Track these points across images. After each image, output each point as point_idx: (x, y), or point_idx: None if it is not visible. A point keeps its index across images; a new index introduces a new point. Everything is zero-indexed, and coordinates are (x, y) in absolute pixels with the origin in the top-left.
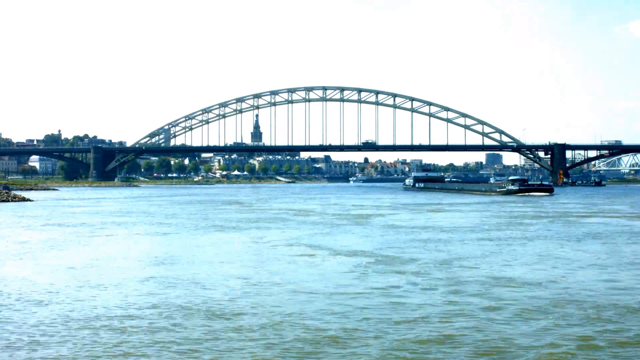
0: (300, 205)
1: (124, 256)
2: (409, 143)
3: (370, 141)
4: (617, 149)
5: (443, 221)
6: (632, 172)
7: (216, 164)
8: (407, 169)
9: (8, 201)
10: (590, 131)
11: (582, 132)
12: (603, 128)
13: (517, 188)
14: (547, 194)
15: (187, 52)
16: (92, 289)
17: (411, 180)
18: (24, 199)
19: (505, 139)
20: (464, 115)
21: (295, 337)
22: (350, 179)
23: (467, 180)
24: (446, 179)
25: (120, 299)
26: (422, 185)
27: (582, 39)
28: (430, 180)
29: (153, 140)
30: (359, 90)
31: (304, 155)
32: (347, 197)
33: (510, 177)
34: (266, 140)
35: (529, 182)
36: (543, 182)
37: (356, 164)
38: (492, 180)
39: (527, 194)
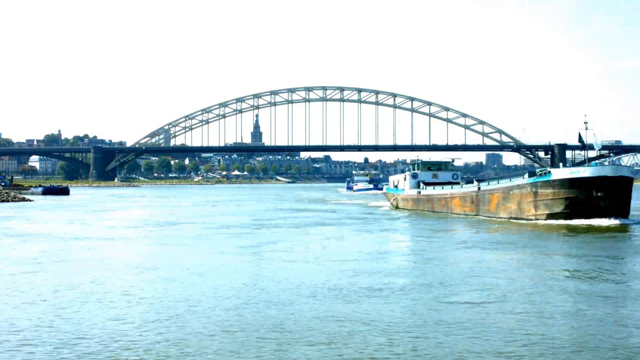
0: None
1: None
2: (409, 143)
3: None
4: (617, 149)
5: None
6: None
7: (216, 164)
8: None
9: (8, 201)
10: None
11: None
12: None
13: None
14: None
15: (187, 52)
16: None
17: None
18: (23, 199)
19: (505, 139)
20: (464, 115)
21: None
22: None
23: None
24: None
25: None
26: None
27: (582, 38)
28: None
29: (153, 140)
30: (359, 90)
31: (304, 155)
32: None
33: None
34: (266, 140)
35: None
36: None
37: (356, 164)
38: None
39: None
